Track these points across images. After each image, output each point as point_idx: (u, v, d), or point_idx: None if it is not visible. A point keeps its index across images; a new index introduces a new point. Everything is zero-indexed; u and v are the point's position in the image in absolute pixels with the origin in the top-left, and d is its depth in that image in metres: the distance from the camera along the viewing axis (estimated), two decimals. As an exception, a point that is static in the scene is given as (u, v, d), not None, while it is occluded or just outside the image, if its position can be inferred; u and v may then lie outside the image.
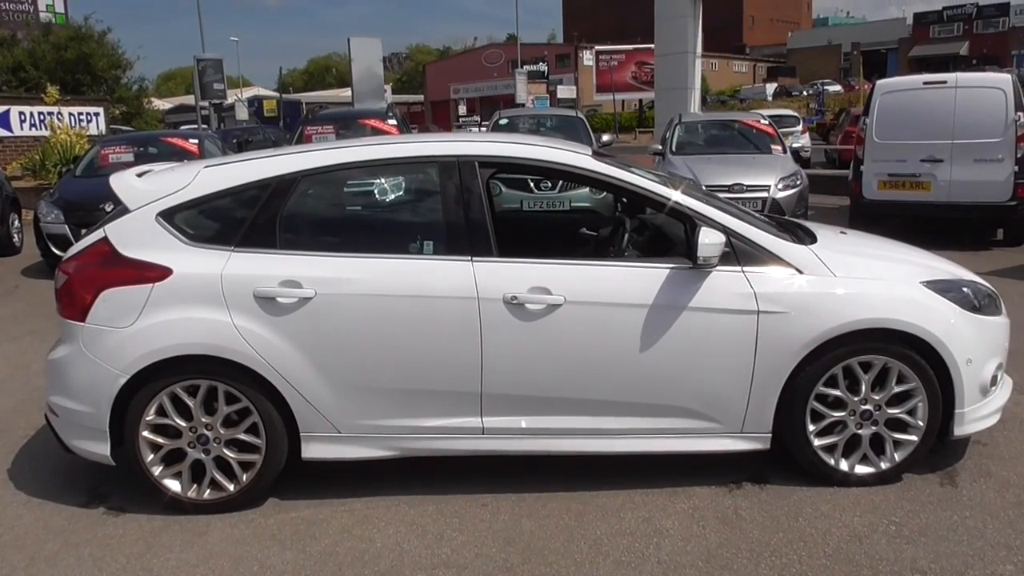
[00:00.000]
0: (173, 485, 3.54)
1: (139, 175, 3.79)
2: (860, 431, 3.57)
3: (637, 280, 3.48)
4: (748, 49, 69.47)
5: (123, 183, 3.70)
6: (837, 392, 3.53)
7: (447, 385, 3.48)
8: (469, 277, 3.42)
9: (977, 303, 3.62)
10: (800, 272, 3.49)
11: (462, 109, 49.16)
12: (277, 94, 46.09)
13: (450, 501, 3.60)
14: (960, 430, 3.59)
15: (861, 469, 3.59)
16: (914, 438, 3.58)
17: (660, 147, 11.06)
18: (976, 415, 3.62)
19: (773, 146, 10.61)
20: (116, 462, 3.56)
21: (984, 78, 9.22)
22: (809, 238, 3.77)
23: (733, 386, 3.50)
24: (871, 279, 3.56)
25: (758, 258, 3.48)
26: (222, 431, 3.51)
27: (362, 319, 3.42)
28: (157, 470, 3.53)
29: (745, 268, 3.46)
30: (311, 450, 3.55)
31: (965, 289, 3.64)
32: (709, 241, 3.33)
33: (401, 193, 3.68)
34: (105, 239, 3.54)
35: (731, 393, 3.50)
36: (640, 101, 42.17)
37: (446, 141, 3.75)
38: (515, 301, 3.40)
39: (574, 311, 3.41)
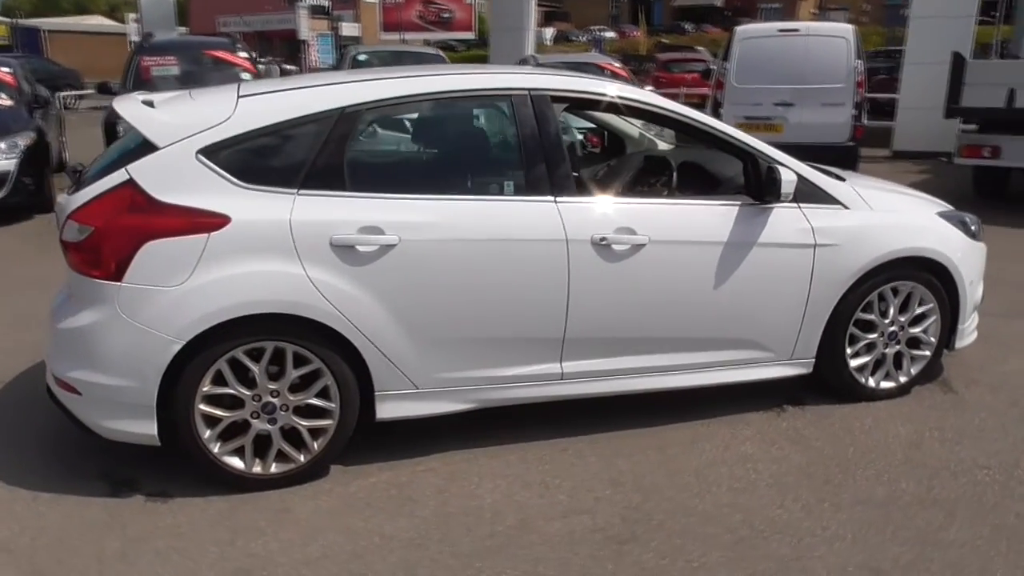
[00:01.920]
0: (234, 462, 3.14)
1: (146, 102, 3.23)
2: (886, 350, 3.92)
3: (711, 218, 3.53)
4: (522, -7, 70.50)
5: (141, 114, 3.13)
6: (871, 316, 3.84)
7: (530, 332, 3.36)
8: (556, 218, 3.29)
9: (973, 231, 4.07)
10: (846, 207, 3.72)
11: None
12: (8, 19, 40.26)
13: (527, 449, 3.51)
14: (960, 343, 4.06)
15: (885, 384, 3.96)
16: (927, 353, 3.99)
17: None
18: (969, 330, 4.10)
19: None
20: (162, 442, 3.09)
21: (830, 27, 10.15)
22: (838, 176, 4.01)
23: (789, 316, 3.69)
24: (901, 212, 3.89)
25: (812, 195, 3.65)
26: (290, 397, 3.15)
27: (447, 266, 3.19)
28: (216, 447, 3.11)
29: (802, 205, 3.63)
30: (386, 409, 3.28)
31: (966, 219, 4.07)
32: (788, 178, 3.45)
33: (475, 129, 3.43)
34: (131, 181, 2.99)
35: (786, 323, 3.70)
36: (426, 42, 41.60)
37: (514, 73, 3.53)
38: (604, 242, 3.32)
39: (657, 250, 3.41)
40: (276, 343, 3.08)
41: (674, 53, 23.65)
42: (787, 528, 2.94)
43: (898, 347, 3.93)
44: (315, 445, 3.21)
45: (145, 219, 2.94)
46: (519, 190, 3.33)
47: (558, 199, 3.32)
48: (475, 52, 26.73)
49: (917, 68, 12.00)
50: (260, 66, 10.18)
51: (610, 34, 49.29)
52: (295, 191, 3.07)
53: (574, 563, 2.75)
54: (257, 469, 3.17)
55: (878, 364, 3.93)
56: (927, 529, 2.92)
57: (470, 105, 3.42)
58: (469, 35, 40.08)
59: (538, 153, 3.32)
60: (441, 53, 10.98)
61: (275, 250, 3.02)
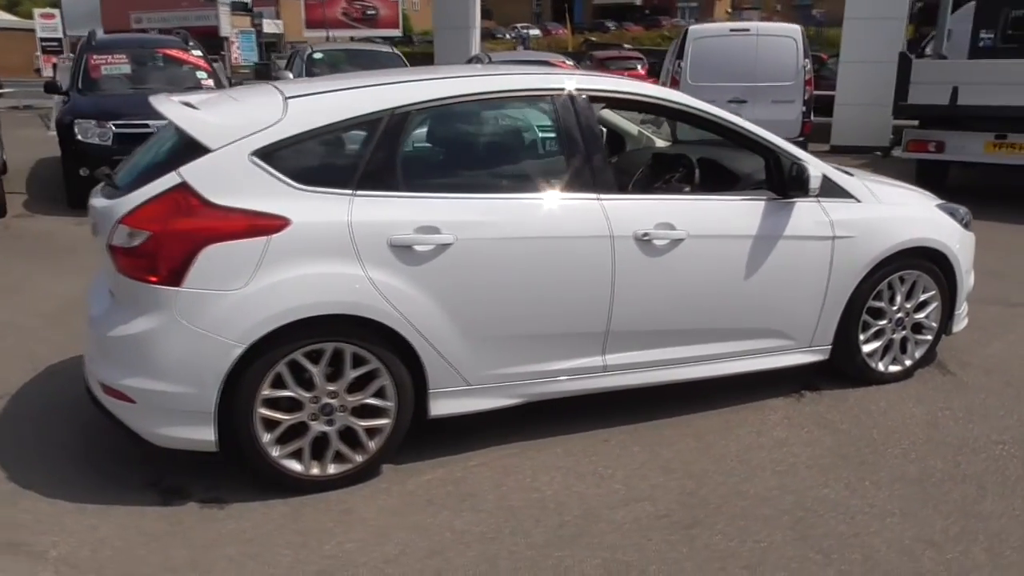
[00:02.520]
0: (292, 465, 3.12)
1: (187, 103, 3.17)
2: (894, 336, 4.14)
3: (740, 213, 3.67)
4: (444, -11, 70.32)
5: (188, 115, 3.07)
6: (881, 304, 4.05)
7: (576, 327, 3.43)
8: (600, 215, 3.37)
9: (965, 222, 4.33)
10: (859, 201, 3.92)
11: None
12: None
13: (570, 441, 3.59)
14: (956, 328, 4.33)
15: (892, 368, 4.18)
16: (929, 338, 4.24)
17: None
18: (963, 315, 4.37)
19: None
20: (219, 448, 3.05)
21: (779, 27, 10.51)
22: (847, 172, 4.20)
23: (810, 306, 3.86)
24: (906, 204, 4.12)
25: (829, 190, 3.83)
26: (348, 398, 3.14)
27: (500, 264, 3.23)
28: (275, 451, 3.08)
29: (820, 199, 3.80)
30: (439, 407, 3.31)
31: (959, 211, 4.33)
32: (816, 174, 3.61)
33: (521, 128, 3.47)
34: (184, 184, 2.93)
35: (808, 312, 3.87)
36: (352, 39, 41.10)
37: (555, 74, 3.58)
38: (645, 238, 3.42)
39: (694, 245, 3.53)
40: (335, 344, 3.06)
41: (609, 51, 24.01)
42: (837, 507, 3.09)
43: (904, 332, 4.16)
44: (371, 445, 3.21)
45: (204, 223, 2.89)
46: (564, 188, 3.40)
47: (601, 196, 3.40)
48: (425, 50, 26.45)
49: (852, 66, 12.55)
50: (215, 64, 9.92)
51: (535, 32, 49.67)
52: (351, 192, 3.07)
53: (649, 548, 2.84)
54: (315, 471, 3.15)
55: (886, 349, 4.15)
56: (964, 503, 3.12)
57: (516, 105, 3.47)
58: (395, 32, 39.76)
59: (581, 151, 3.40)
60: (397, 52, 10.90)
61: (335, 252, 3.00)
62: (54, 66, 19.48)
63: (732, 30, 10.16)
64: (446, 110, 3.31)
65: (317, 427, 3.12)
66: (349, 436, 3.18)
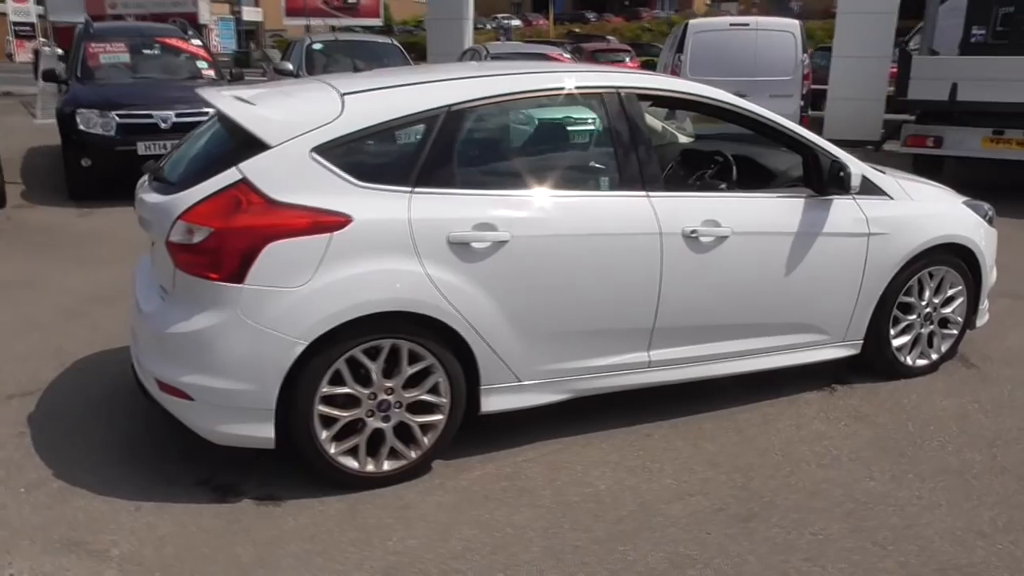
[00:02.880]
0: (349, 462, 3.12)
1: (241, 98, 3.16)
2: (922, 330, 4.22)
3: (781, 210, 3.72)
4: (424, -22, 69.84)
5: (245, 111, 3.06)
6: (911, 299, 4.13)
7: (623, 322, 3.46)
8: (650, 212, 3.40)
9: (989, 217, 4.41)
10: (892, 198, 3.98)
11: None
12: None
13: (613, 436, 3.62)
14: (979, 322, 4.42)
15: (920, 362, 4.26)
16: (955, 332, 4.33)
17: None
18: (985, 309, 4.46)
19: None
20: (278, 446, 3.05)
21: (778, 22, 10.58)
22: (880, 169, 4.26)
23: (845, 301, 3.93)
24: (936, 201, 4.19)
25: (864, 187, 3.87)
26: (404, 394, 3.15)
27: (553, 261, 3.25)
28: (332, 448, 3.08)
29: (856, 197, 3.86)
30: (490, 403, 3.32)
31: (984, 207, 4.41)
32: (856, 172, 3.67)
33: (571, 126, 3.49)
34: (245, 180, 2.92)
35: (843, 307, 3.93)
36: (333, 28, 40.72)
37: (604, 72, 3.60)
38: (693, 234, 3.46)
39: (738, 241, 3.57)
40: (393, 341, 3.07)
41: (598, 43, 24.04)
42: (886, 499, 3.16)
43: (931, 327, 4.24)
44: (425, 441, 3.22)
45: (267, 219, 2.87)
46: (614, 185, 3.42)
47: (650, 193, 3.43)
48: (405, 39, 26.21)
49: (844, 61, 12.67)
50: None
51: (516, 22, 49.52)
52: (410, 189, 3.07)
53: (711, 542, 2.88)
54: (370, 468, 3.16)
55: (914, 343, 4.23)
56: (1006, 494, 3.20)
57: (566, 103, 3.48)
58: (376, 22, 39.49)
59: (630, 149, 3.42)
60: (397, 44, 10.83)
61: (395, 249, 3.01)
62: (36, 52, 19.12)
63: (732, 24, 10.23)
64: (500, 107, 3.33)
65: (373, 423, 3.13)
66: (403, 432, 3.19)
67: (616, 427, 3.69)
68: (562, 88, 3.41)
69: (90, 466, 3.34)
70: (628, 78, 3.53)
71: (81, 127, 7.62)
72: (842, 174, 3.65)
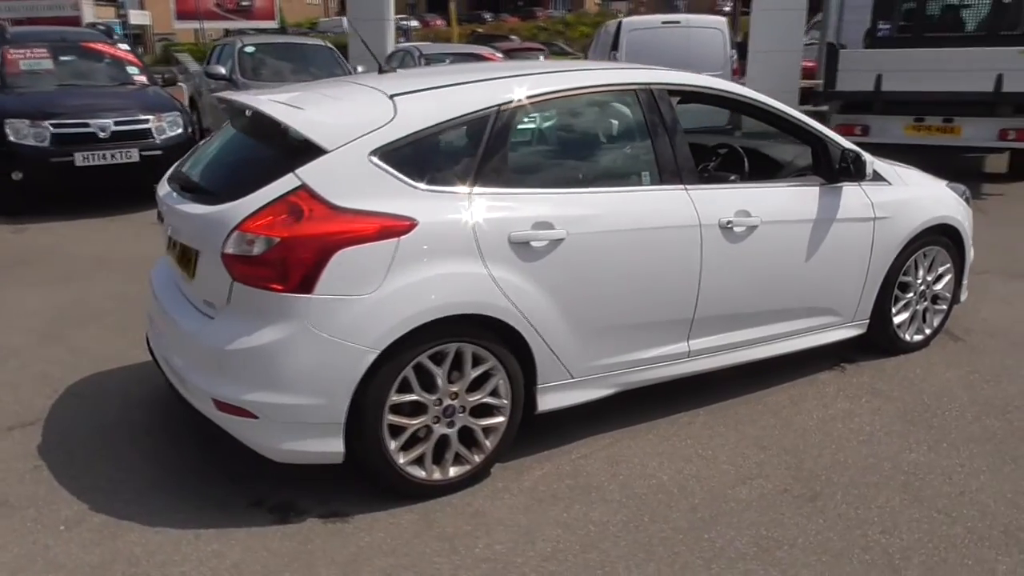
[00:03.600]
0: (416, 471, 3.04)
1: (286, 103, 3.04)
2: (917, 307, 4.45)
3: (801, 198, 3.85)
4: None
5: (296, 115, 2.94)
6: (909, 278, 4.34)
7: (667, 314, 3.51)
8: (689, 205, 3.46)
9: (966, 198, 4.69)
10: (890, 184, 4.18)
11: None
12: None
13: (656, 426, 3.66)
14: (963, 297, 4.69)
15: (916, 337, 4.49)
16: (944, 307, 4.58)
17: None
18: (966, 284, 4.74)
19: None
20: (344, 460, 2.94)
21: (706, 20, 10.88)
22: (873, 156, 4.46)
23: (855, 283, 4.10)
24: (926, 185, 4.42)
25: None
26: (468, 398, 3.10)
27: (605, 257, 3.26)
28: (401, 458, 3.00)
29: (861, 183, 4.03)
30: (546, 401, 3.30)
31: (960, 188, 4.68)
32: (870, 160, 3.83)
33: (612, 122, 3.50)
34: (304, 187, 2.81)
35: (853, 289, 4.10)
36: (227, 31, 39.39)
37: (637, 68, 3.63)
38: (728, 225, 3.54)
39: (766, 230, 3.67)
40: (458, 344, 3.01)
41: (513, 43, 24.16)
42: (932, 469, 3.31)
43: (925, 304, 4.48)
44: (487, 444, 3.18)
45: (334, 226, 2.77)
46: (654, 180, 3.46)
47: (688, 187, 3.49)
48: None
49: (760, 55, 13.14)
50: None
51: (415, 23, 49.17)
52: (469, 190, 3.02)
53: (788, 523, 2.96)
54: (437, 475, 3.09)
55: (911, 320, 4.45)
56: (1036, 456, 3.42)
57: (606, 99, 3.49)
58: (271, 24, 38.42)
59: (667, 143, 3.47)
60: (330, 46, 10.56)
61: (460, 251, 2.95)
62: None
63: (664, 22, 10.46)
64: (545, 105, 3.31)
65: (439, 430, 3.06)
66: (466, 437, 3.14)
67: (656, 417, 3.73)
68: (602, 85, 3.43)
69: (127, 495, 3.14)
70: (658, 75, 3.59)
71: (11, 138, 7.11)
72: (858, 163, 3.81)
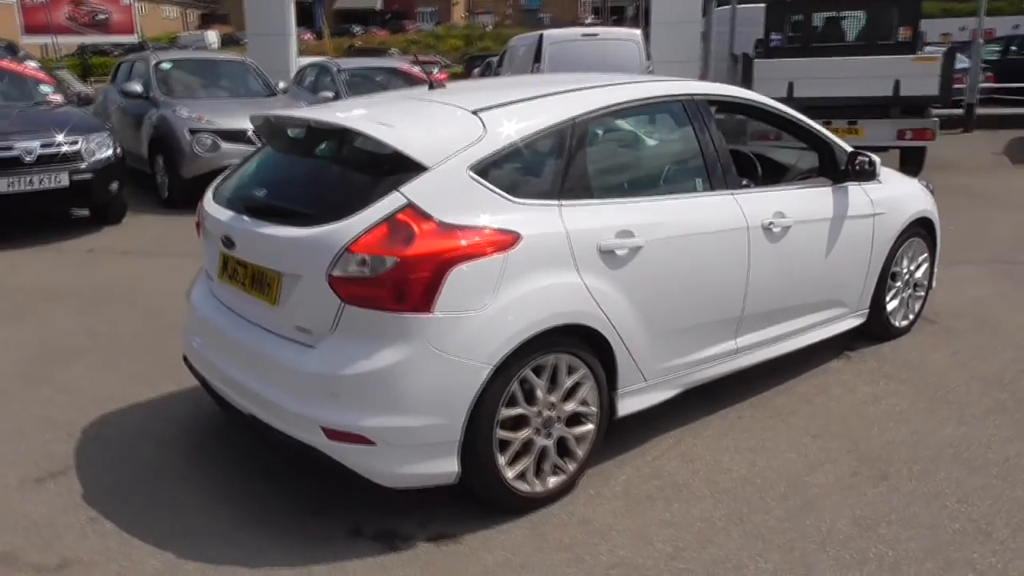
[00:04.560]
0: (522, 485, 3.04)
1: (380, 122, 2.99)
2: (904, 294, 4.82)
3: (819, 199, 4.10)
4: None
5: (392, 133, 2.89)
6: (897, 269, 4.70)
7: (721, 313, 3.66)
8: (737, 208, 3.63)
9: (931, 191, 5.12)
10: (880, 182, 4.51)
11: None
12: None
13: (709, 423, 3.80)
14: (934, 282, 5.11)
15: (903, 323, 4.86)
16: (922, 294, 4.98)
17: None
18: (936, 273, 5.17)
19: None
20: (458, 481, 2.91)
21: (623, 32, 11.25)
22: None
23: (860, 275, 4.40)
24: (906, 183, 4.79)
25: (866, 174, 4.38)
26: (564, 408, 3.13)
27: (675, 262, 3.38)
28: (509, 473, 2.99)
29: (860, 182, 4.34)
30: (625, 406, 3.37)
31: (926, 183, 5.10)
32: (878, 162, 4.14)
33: (666, 132, 3.61)
34: (411, 204, 2.77)
35: (858, 281, 4.41)
36: (82, 46, 37.09)
37: (671, 80, 3.76)
38: (769, 226, 3.73)
39: (798, 229, 3.89)
40: (556, 354, 3.04)
41: (408, 56, 23.93)
42: (971, 440, 3.60)
43: (909, 291, 4.86)
44: (579, 453, 3.21)
45: (449, 243, 2.74)
46: (706, 186, 3.60)
47: (734, 192, 3.66)
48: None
49: (662, 66, 13.72)
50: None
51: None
52: (558, 202, 3.06)
53: (875, 502, 3.14)
54: (539, 487, 3.10)
55: (899, 307, 4.81)
56: (1051, 421, 3.78)
57: (660, 110, 3.60)
58: (131, 38, 36.51)
59: (713, 150, 3.63)
60: (250, 61, 10.15)
61: (558, 262, 2.98)
62: None
63: (583, 35, 10.75)
64: (611, 117, 3.39)
65: (540, 441, 3.07)
66: (560, 447, 3.17)
67: (704, 415, 3.87)
68: (656, 96, 3.55)
69: (212, 539, 2.97)
70: (699, 86, 3.75)
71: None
72: (871, 164, 4.11)
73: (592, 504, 3.17)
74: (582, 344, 3.11)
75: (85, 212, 8.06)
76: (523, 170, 3.07)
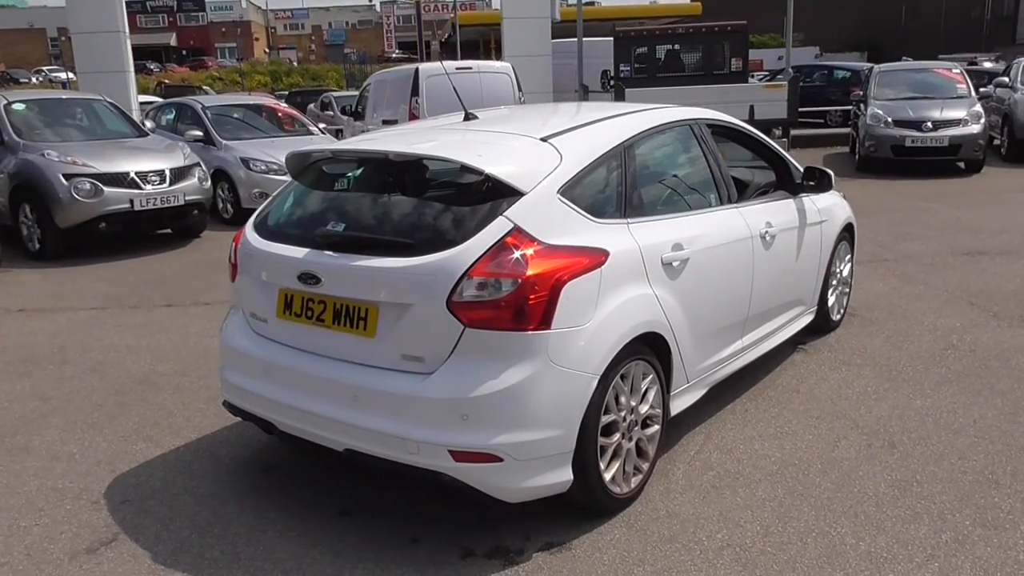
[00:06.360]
0: (615, 488, 3.22)
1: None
2: (838, 290, 5.46)
3: (788, 209, 4.60)
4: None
5: (486, 161, 3.02)
6: (834, 269, 5.33)
7: (736, 315, 4.03)
8: (742, 220, 4.03)
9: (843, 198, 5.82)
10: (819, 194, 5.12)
11: None
12: None
13: (717, 419, 4.14)
14: (853, 279, 5.82)
15: (838, 316, 5.49)
16: (848, 290, 5.65)
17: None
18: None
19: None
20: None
21: (495, 65, 11.60)
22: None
23: (815, 275, 4.96)
24: (832, 194, 5.43)
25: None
26: (641, 411, 3.35)
27: (710, 270, 3.71)
28: (607, 476, 3.16)
29: (809, 194, 4.91)
30: (675, 406, 3.64)
31: (844, 194, 5.80)
32: (833, 175, 4.71)
33: (688, 152, 3.94)
34: (518, 228, 2.91)
35: (814, 281, 4.96)
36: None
37: (678, 107, 4.08)
38: (764, 235, 4.17)
39: (780, 237, 4.36)
40: (635, 362, 3.26)
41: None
42: (941, 409, 4.16)
43: (840, 287, 5.51)
44: (650, 452, 3.44)
45: (559, 262, 2.90)
46: (717, 201, 3.98)
47: (737, 205, 4.06)
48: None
49: (514, 60, 14.12)
50: None
51: (71, 75, 44.58)
52: (625, 220, 3.30)
53: (898, 469, 3.57)
54: (626, 489, 3.29)
55: (836, 302, 5.44)
56: (1016, 385, 4.43)
57: (680, 133, 3.93)
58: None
59: (720, 169, 4.02)
60: (110, 101, 9.44)
61: (636, 275, 3.22)
62: None
63: (458, 68, 11.02)
64: (649, 140, 3.68)
65: (626, 445, 3.27)
66: (637, 449, 3.38)
67: (715, 411, 4.21)
68: (676, 121, 3.90)
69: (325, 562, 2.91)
70: (699, 112, 4.15)
71: None
72: (829, 178, 4.68)
73: (668, 499, 3.40)
74: (648, 351, 3.35)
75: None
76: (595, 191, 3.29)
